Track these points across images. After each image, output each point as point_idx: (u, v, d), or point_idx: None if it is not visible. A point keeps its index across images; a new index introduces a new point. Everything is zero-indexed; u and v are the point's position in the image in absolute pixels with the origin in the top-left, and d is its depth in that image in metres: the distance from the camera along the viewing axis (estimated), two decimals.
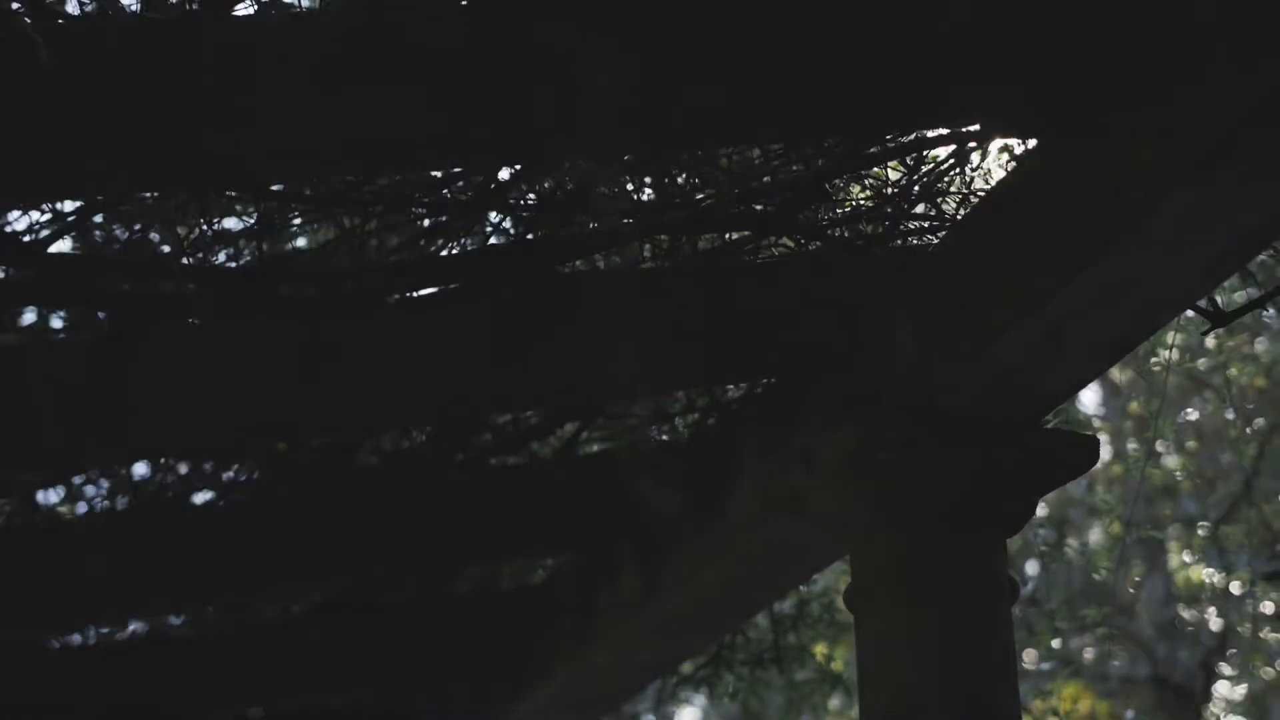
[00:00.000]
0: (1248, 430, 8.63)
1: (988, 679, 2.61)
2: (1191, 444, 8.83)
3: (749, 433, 3.04)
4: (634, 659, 3.81)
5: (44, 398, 2.49)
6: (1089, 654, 9.69)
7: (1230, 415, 8.28)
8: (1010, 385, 2.60)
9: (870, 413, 2.67)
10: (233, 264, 2.52)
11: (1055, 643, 8.27)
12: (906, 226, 2.73)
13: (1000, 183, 2.56)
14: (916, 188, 2.60)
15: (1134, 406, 8.95)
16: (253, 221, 2.44)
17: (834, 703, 7.12)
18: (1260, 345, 8.35)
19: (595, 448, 3.73)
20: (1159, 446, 8.53)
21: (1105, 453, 9.44)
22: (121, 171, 1.86)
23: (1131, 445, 9.41)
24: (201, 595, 3.72)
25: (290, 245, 2.54)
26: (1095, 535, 9.33)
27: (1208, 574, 9.00)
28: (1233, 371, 8.07)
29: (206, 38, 1.84)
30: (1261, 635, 9.62)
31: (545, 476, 3.52)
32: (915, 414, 2.64)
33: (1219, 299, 2.78)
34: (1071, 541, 9.77)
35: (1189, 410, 8.86)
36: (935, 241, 2.72)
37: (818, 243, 2.63)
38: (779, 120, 2.14)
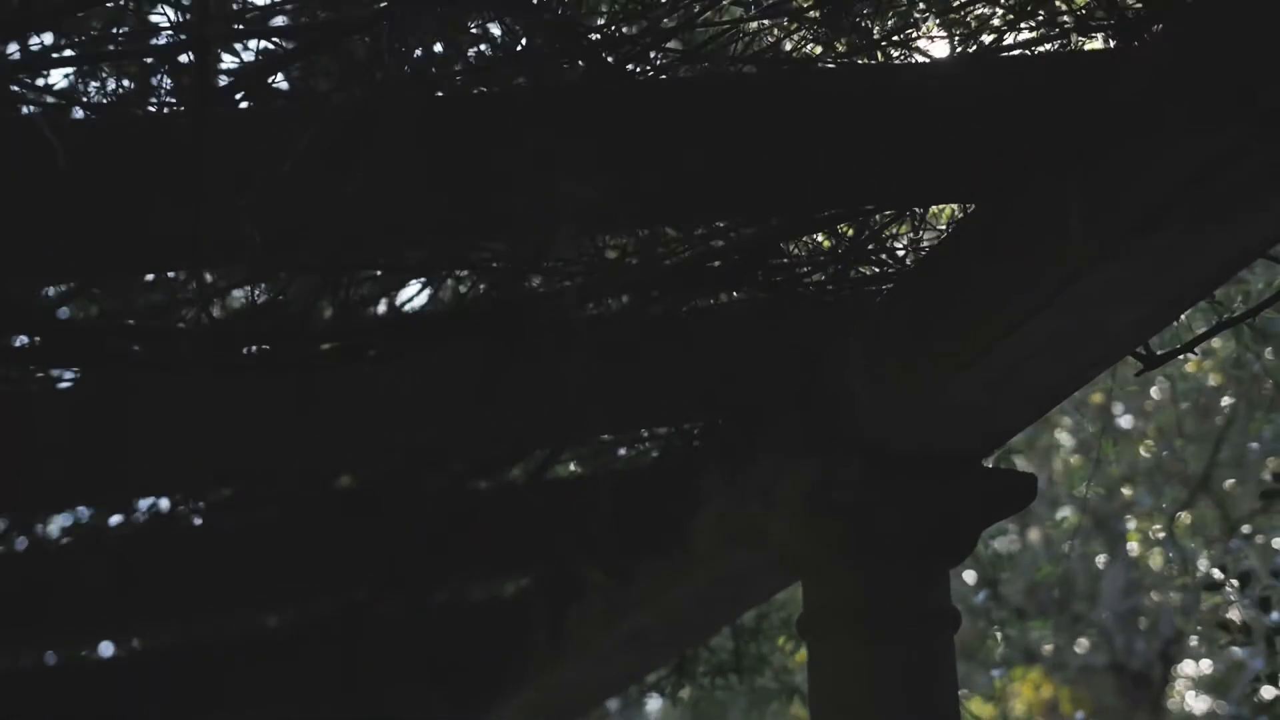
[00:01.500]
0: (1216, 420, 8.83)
1: (934, 704, 2.78)
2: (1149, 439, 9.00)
3: (710, 465, 3.19)
4: (602, 671, 3.98)
5: (46, 439, 2.63)
6: (1047, 646, 9.90)
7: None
8: (956, 428, 2.75)
9: (826, 453, 2.82)
10: (225, 322, 2.66)
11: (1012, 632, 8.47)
12: (860, 273, 2.87)
13: (946, 237, 2.70)
14: (868, 242, 2.74)
15: (1096, 397, 9.15)
16: (246, 288, 2.58)
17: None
18: (1217, 341, 8.53)
19: (568, 468, 3.87)
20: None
21: (1067, 440, 9.62)
22: (122, 254, 1.99)
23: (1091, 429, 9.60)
24: (191, 613, 3.85)
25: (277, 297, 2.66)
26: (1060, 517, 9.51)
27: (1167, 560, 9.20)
28: (1189, 367, 8.26)
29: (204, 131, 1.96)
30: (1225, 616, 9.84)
31: (516, 499, 3.66)
32: (868, 454, 2.79)
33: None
34: (1033, 533, 10.00)
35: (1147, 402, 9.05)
36: (888, 288, 2.86)
37: (774, 291, 2.77)
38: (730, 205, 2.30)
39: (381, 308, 2.94)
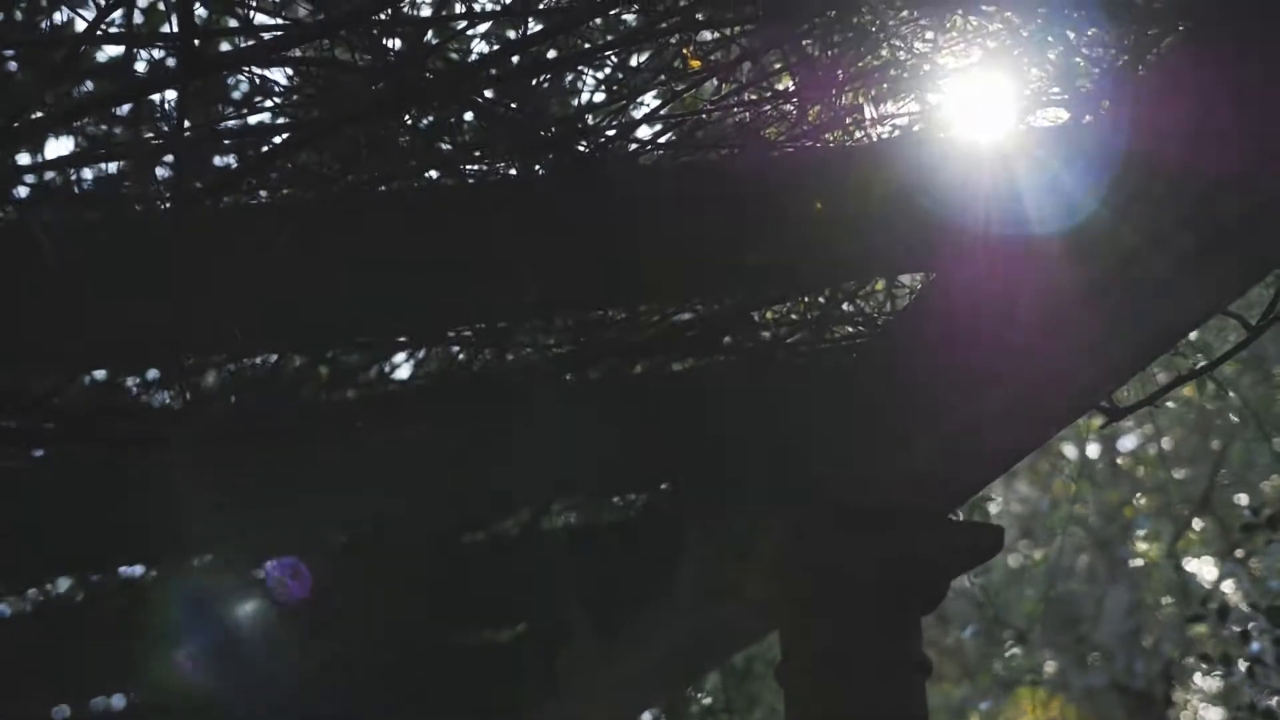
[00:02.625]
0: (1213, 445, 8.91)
1: None
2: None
3: (691, 521, 3.31)
4: (593, 712, 4.08)
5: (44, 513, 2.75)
6: (1050, 666, 9.98)
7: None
8: (923, 484, 2.86)
9: (799, 510, 2.94)
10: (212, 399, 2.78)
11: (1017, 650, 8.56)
12: (831, 336, 2.98)
13: (906, 307, 2.81)
14: (833, 312, 2.85)
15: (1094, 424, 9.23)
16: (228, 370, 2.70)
17: None
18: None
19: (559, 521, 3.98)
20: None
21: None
22: (112, 352, 2.11)
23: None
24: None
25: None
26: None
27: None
28: (1186, 391, 8.34)
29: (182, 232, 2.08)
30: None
31: (510, 551, 3.77)
32: (837, 512, 2.91)
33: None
34: (1035, 554, 10.08)
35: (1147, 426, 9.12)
36: (854, 353, 2.97)
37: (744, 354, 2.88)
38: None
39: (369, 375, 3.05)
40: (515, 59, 2.19)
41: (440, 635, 4.27)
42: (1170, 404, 8.93)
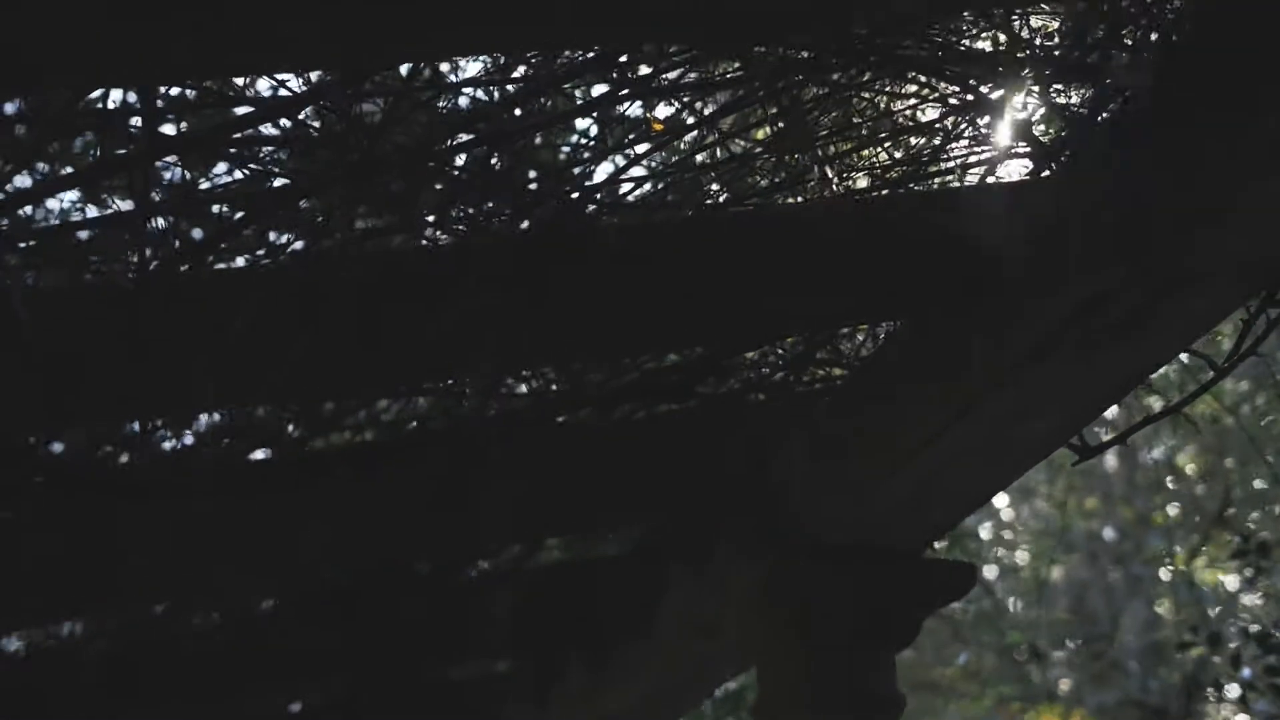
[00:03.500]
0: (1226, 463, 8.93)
1: None
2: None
3: (673, 561, 3.39)
4: None
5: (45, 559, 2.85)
6: (1065, 683, 10.01)
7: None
8: (894, 524, 2.94)
9: (774, 549, 3.02)
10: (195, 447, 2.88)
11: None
12: (805, 380, 3.07)
13: (874, 352, 2.90)
14: (808, 357, 2.93)
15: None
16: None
17: None
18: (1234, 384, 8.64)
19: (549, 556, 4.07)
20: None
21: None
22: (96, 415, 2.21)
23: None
24: (190, 705, 4.06)
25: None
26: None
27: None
28: (1202, 408, 8.37)
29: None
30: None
31: (501, 586, 3.87)
32: (813, 551, 2.98)
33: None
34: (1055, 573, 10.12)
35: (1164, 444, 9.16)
36: (827, 396, 3.05)
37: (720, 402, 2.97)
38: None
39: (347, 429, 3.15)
40: (481, 126, 2.28)
41: (432, 671, 4.37)
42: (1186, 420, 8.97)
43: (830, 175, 2.61)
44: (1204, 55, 2.10)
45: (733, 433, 3.09)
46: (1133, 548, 9.25)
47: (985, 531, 10.00)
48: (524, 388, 2.87)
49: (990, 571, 10.14)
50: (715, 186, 2.50)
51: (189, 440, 2.87)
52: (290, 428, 2.88)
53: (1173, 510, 9.54)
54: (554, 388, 2.86)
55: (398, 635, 3.75)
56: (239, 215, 2.26)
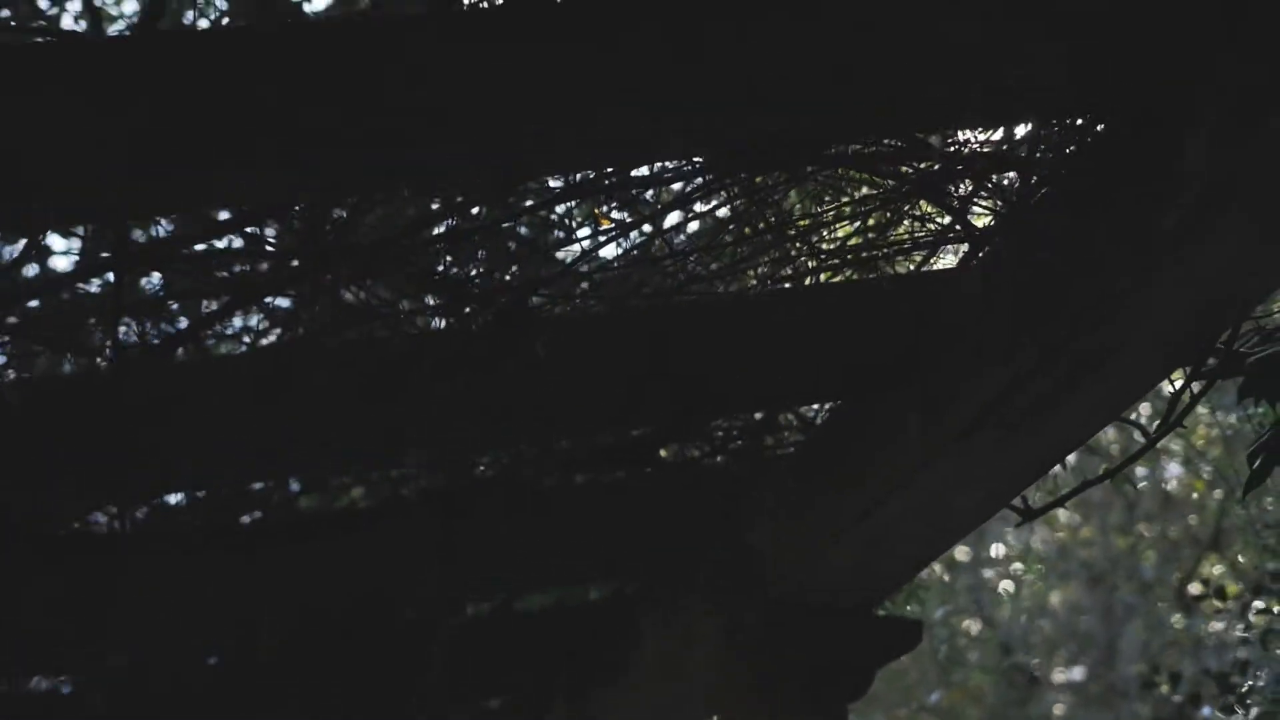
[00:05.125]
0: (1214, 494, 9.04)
1: None
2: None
3: (645, 612, 3.58)
4: None
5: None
6: (1059, 708, 10.14)
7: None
8: (846, 581, 3.11)
9: (737, 604, 3.20)
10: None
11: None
12: (767, 444, 3.24)
13: (824, 423, 3.07)
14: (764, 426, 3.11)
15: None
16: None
17: None
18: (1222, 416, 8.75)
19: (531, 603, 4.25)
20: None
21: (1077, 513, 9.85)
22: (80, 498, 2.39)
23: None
24: None
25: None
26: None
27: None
28: (1198, 439, 8.50)
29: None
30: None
31: (484, 632, 4.05)
32: (771, 605, 3.16)
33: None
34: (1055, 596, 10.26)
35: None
36: (786, 460, 3.23)
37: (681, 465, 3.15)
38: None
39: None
40: (440, 228, 2.46)
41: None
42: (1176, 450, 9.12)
43: (776, 262, 2.79)
44: (1108, 147, 2.26)
45: (698, 494, 3.26)
46: (1124, 576, 9.38)
47: (997, 550, 10.08)
48: (500, 456, 3.04)
49: (991, 595, 10.26)
50: (666, 274, 2.67)
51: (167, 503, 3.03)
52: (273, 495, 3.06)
53: (1173, 532, 9.68)
54: (528, 454, 3.03)
55: (392, 675, 3.92)
56: (210, 308, 2.44)
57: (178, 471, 2.44)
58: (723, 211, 2.69)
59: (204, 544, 2.96)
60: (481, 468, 3.14)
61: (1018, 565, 9.94)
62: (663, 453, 3.16)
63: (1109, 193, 2.21)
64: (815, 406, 3.22)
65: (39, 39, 2.30)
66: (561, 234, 2.80)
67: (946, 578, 9.19)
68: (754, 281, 2.75)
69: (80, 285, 2.37)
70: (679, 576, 3.42)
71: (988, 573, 10.18)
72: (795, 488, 3.10)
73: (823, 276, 2.82)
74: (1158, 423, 3.29)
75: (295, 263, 2.34)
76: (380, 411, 2.50)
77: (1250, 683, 4.65)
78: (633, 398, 2.70)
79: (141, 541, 2.87)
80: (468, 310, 2.52)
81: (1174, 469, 9.60)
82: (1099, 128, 2.30)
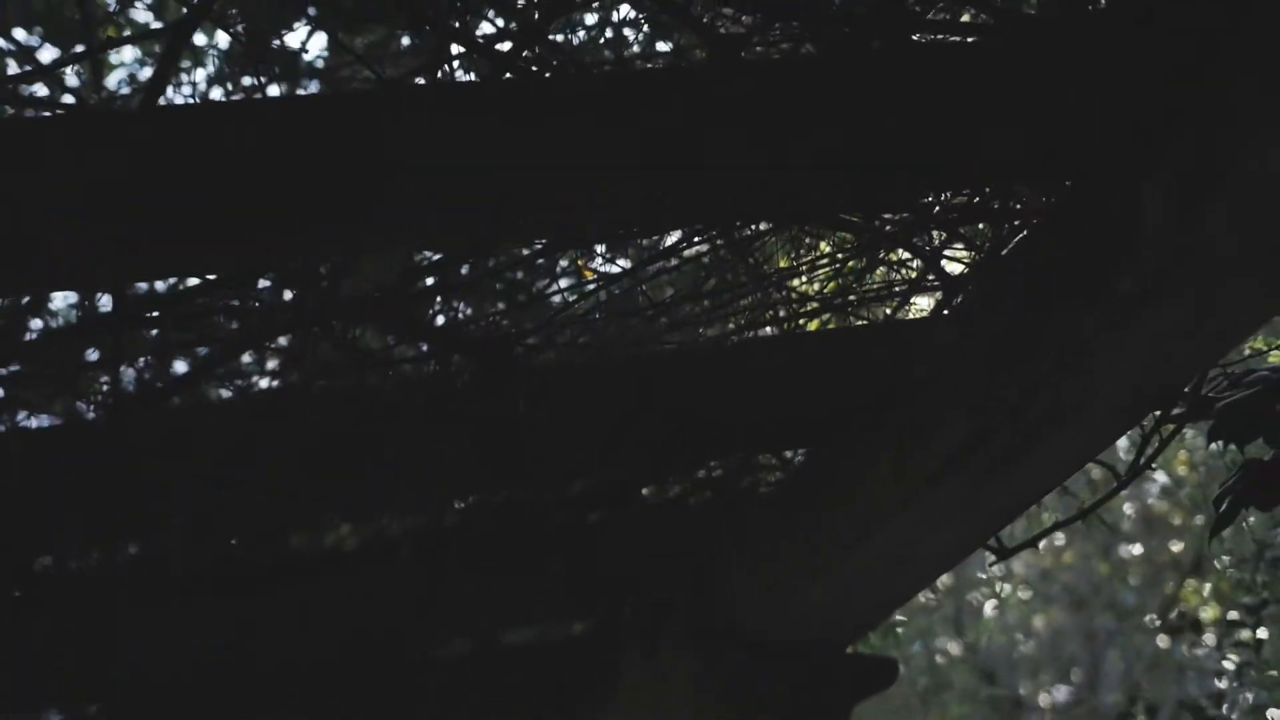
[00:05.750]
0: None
1: None
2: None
3: (626, 649, 3.65)
4: None
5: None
6: None
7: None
8: (821, 623, 3.19)
9: (710, 644, 3.27)
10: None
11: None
12: (745, 484, 3.32)
13: (799, 466, 3.15)
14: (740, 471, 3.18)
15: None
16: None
17: None
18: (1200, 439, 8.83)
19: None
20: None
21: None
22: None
23: None
24: None
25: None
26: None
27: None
28: (1182, 469, 8.58)
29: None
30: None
31: (468, 664, 4.12)
32: (747, 645, 3.23)
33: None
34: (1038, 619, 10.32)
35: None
36: (762, 502, 3.30)
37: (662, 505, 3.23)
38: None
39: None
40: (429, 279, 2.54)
41: None
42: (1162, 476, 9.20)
43: (755, 308, 2.87)
44: (1069, 207, 2.34)
45: (676, 535, 3.34)
46: (1104, 603, 9.46)
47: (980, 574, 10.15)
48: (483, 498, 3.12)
49: (973, 617, 10.32)
50: (648, 320, 2.75)
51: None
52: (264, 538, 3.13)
53: (1156, 557, 9.74)
54: (511, 497, 3.11)
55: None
56: (203, 356, 2.52)
57: (171, 516, 2.51)
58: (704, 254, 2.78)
59: (195, 586, 3.03)
60: (465, 510, 3.21)
61: (1004, 586, 10.01)
62: (642, 493, 3.23)
63: (1070, 251, 2.29)
64: (792, 452, 3.30)
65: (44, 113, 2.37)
66: (547, 280, 2.88)
67: (930, 597, 9.25)
68: (733, 326, 2.83)
69: (80, 338, 2.45)
70: (657, 615, 3.49)
71: (972, 594, 10.24)
72: (770, 529, 3.18)
73: (802, 323, 2.91)
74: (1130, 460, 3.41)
75: (284, 315, 2.41)
76: (368, 456, 2.58)
77: (1227, 712, 4.73)
78: (614, 444, 2.78)
79: (133, 584, 2.94)
80: (454, 358, 2.60)
81: (1156, 489, 9.69)
82: (1061, 187, 2.39)
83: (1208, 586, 6.29)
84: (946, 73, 2.08)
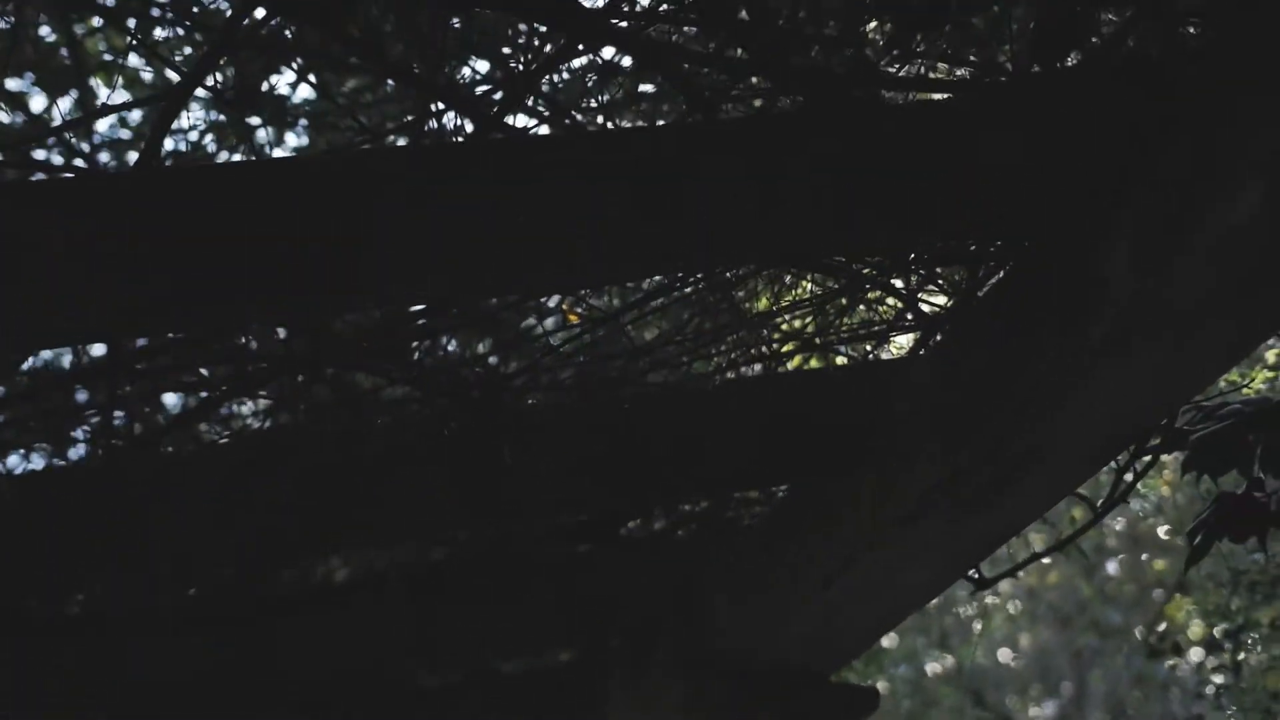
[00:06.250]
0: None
1: None
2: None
3: (613, 676, 3.71)
4: None
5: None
6: None
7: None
8: (804, 652, 3.25)
9: (696, 672, 3.33)
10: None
11: None
12: (729, 516, 3.38)
13: (781, 501, 3.21)
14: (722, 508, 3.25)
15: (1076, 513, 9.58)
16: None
17: None
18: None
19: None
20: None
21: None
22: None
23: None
24: None
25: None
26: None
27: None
28: (1164, 489, 8.63)
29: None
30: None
31: (459, 691, 4.18)
32: (730, 674, 3.30)
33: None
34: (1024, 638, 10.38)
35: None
36: (743, 534, 3.36)
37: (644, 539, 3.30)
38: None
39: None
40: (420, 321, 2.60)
41: None
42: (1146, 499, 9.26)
43: (736, 347, 2.93)
44: (1039, 257, 2.40)
45: (662, 566, 3.40)
46: (1089, 622, 9.52)
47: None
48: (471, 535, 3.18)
49: (960, 634, 10.38)
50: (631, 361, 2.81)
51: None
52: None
53: (1142, 575, 9.81)
54: (498, 533, 3.18)
55: None
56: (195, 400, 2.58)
57: (162, 558, 2.57)
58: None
59: (185, 625, 3.09)
60: (452, 543, 3.27)
61: (990, 604, 10.07)
62: (629, 525, 3.30)
63: (1040, 299, 2.35)
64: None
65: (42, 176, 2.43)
66: (534, 318, 2.94)
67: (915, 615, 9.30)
68: (715, 365, 2.89)
69: (75, 386, 2.51)
70: (644, 643, 3.56)
71: (959, 608, 10.30)
72: (754, 562, 3.24)
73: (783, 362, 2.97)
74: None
75: (272, 363, 2.47)
76: (356, 496, 2.63)
77: None
78: (598, 483, 2.83)
79: (124, 620, 3.00)
80: (441, 401, 2.65)
81: (1139, 504, 9.74)
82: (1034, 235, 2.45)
83: (1191, 605, 6.36)
84: (920, 128, 2.14)
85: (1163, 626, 5.45)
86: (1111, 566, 9.79)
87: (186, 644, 3.11)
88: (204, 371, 2.49)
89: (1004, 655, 10.38)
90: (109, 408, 2.43)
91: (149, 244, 1.82)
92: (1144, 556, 9.66)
